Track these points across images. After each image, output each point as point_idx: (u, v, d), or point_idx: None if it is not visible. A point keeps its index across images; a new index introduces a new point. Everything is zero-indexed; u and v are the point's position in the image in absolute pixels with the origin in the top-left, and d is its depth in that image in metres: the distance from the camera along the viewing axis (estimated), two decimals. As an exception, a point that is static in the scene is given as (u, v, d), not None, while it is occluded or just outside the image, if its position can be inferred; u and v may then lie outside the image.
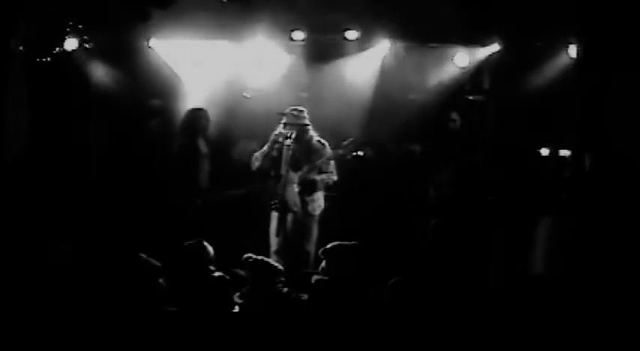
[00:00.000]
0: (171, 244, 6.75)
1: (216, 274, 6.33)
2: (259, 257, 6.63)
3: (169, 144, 8.60)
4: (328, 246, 6.65)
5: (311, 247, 7.70)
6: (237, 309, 6.23)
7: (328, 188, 7.95)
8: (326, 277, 6.40)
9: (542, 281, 6.55)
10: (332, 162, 7.82)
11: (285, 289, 6.35)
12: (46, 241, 6.88)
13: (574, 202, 6.84)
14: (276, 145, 7.75)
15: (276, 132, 7.78)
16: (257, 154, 7.81)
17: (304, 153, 7.77)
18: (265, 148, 7.81)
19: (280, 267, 6.56)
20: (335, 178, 7.84)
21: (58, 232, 7.21)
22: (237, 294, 6.63)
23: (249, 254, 6.64)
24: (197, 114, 8.47)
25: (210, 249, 6.55)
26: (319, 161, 7.72)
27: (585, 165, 6.76)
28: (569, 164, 8.00)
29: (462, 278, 6.21)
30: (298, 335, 5.61)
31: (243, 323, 5.82)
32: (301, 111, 7.77)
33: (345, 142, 7.78)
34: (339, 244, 6.60)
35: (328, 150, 7.81)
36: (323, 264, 6.61)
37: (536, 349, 5.62)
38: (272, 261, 6.73)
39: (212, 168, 8.44)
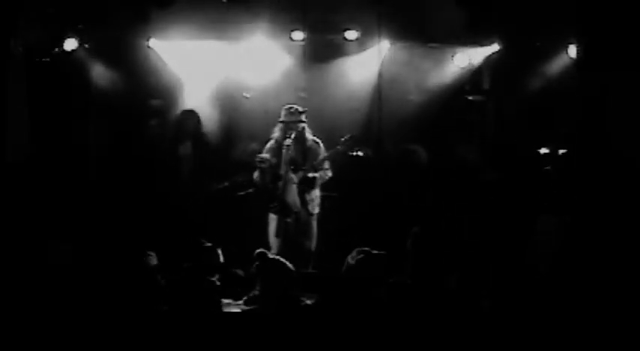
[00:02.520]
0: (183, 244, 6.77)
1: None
2: (275, 256, 6.57)
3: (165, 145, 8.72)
4: (358, 255, 6.47)
5: (312, 247, 7.70)
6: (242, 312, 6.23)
7: (326, 187, 7.94)
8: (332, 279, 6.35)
9: (543, 281, 6.55)
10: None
11: (295, 292, 6.31)
12: (46, 241, 6.88)
13: (574, 202, 6.84)
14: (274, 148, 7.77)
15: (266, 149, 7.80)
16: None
17: (302, 153, 7.77)
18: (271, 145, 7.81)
19: (292, 267, 6.51)
20: (330, 174, 7.83)
21: (58, 232, 7.21)
22: (244, 298, 6.62)
23: (263, 250, 6.58)
24: (183, 116, 8.63)
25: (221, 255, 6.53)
26: (319, 160, 7.72)
27: (585, 165, 6.76)
28: (569, 164, 8.00)
29: (456, 280, 6.22)
30: (307, 338, 5.59)
31: (254, 325, 5.80)
32: (298, 110, 7.77)
33: (343, 139, 7.77)
34: (369, 253, 6.47)
35: (322, 148, 7.81)
36: (348, 265, 6.46)
37: (533, 348, 5.63)
38: (286, 262, 6.64)
39: (197, 169, 8.54)
